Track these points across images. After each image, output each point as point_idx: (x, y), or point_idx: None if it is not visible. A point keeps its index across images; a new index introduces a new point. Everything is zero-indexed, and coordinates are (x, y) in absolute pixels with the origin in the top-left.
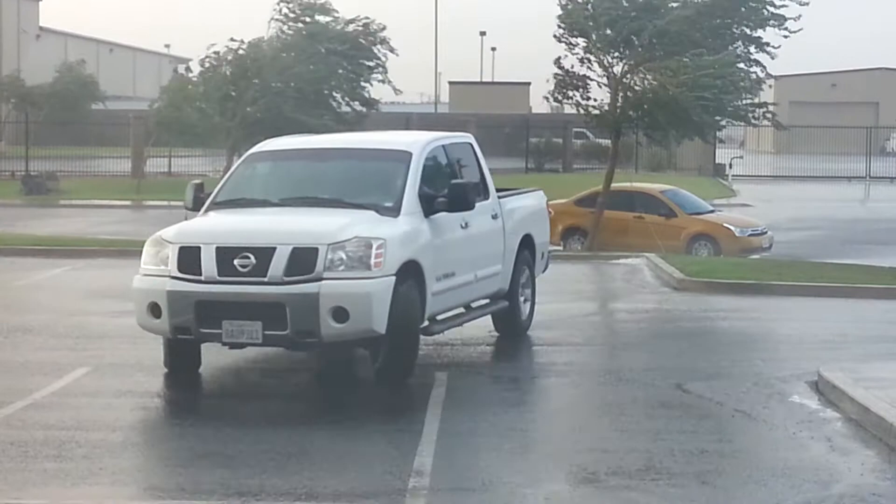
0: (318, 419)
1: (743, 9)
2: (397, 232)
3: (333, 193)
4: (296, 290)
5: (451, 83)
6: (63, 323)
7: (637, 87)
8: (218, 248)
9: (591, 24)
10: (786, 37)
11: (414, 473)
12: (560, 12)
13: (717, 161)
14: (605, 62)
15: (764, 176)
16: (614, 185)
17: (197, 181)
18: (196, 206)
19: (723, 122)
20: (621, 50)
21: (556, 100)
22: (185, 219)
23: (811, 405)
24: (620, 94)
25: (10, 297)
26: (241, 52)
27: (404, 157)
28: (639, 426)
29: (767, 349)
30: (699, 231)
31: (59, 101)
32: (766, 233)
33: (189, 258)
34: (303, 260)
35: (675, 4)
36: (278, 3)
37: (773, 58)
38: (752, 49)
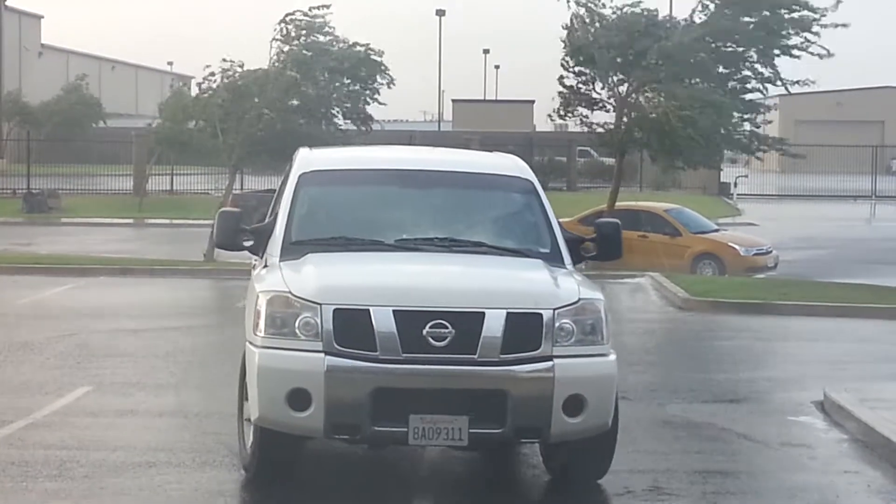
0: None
1: (760, 44)
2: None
3: (467, 234)
4: (521, 372)
5: (454, 101)
6: (64, 342)
7: (643, 105)
8: (398, 313)
9: (594, 49)
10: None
11: (418, 495)
12: (564, 38)
13: (721, 180)
14: (611, 83)
15: (769, 195)
16: (618, 203)
17: (231, 209)
18: (232, 244)
19: (725, 152)
20: (626, 71)
21: (560, 116)
22: (266, 265)
23: (817, 426)
24: (625, 115)
25: (12, 316)
26: (236, 75)
27: (527, 186)
28: (644, 447)
29: (772, 369)
30: (704, 250)
31: (61, 118)
32: (771, 252)
33: (353, 326)
34: (522, 330)
35: (680, 25)
36: (279, 24)
37: (777, 82)
38: (760, 73)
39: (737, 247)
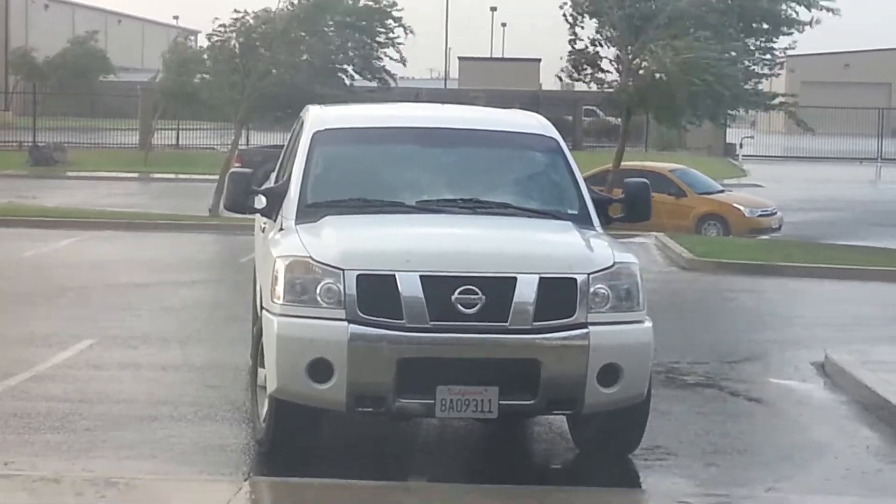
0: None
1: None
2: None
3: (491, 195)
4: (554, 340)
5: (460, 59)
6: (69, 294)
7: (645, 65)
8: (425, 278)
9: (604, 7)
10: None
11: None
12: None
13: (727, 141)
14: (618, 42)
15: (775, 156)
16: (624, 163)
17: (242, 170)
18: (242, 206)
19: (731, 111)
20: (636, 30)
21: (570, 77)
22: (281, 228)
23: (818, 387)
24: (631, 77)
25: (17, 269)
26: (248, 22)
27: (552, 144)
28: None
29: (775, 331)
30: (708, 211)
31: (67, 72)
32: (775, 213)
33: (377, 292)
34: (555, 296)
35: None
36: None
37: (781, 54)
38: (762, 42)
39: (741, 208)
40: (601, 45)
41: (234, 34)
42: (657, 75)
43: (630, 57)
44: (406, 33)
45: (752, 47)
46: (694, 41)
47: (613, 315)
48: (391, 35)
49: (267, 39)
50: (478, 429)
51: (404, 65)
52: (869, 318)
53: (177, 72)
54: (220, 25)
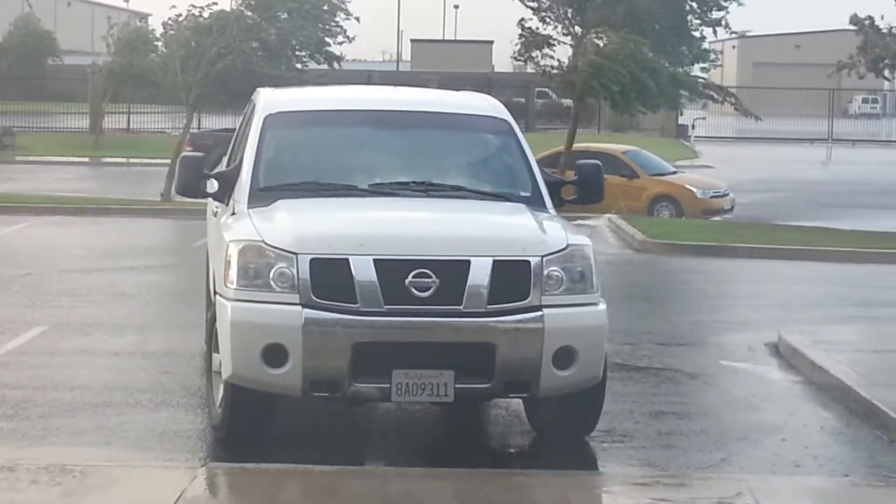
0: None
1: None
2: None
3: (444, 177)
4: (509, 323)
5: (413, 41)
6: (19, 281)
7: (600, 48)
8: (379, 262)
9: None
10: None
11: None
12: None
13: (679, 122)
14: (565, 20)
15: (726, 137)
16: (576, 145)
17: (193, 154)
18: (194, 190)
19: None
20: (578, 8)
21: (522, 60)
22: (233, 213)
23: (771, 368)
24: (581, 56)
25: None
26: (201, 19)
27: (504, 126)
28: None
29: (728, 312)
30: (661, 192)
31: (15, 55)
32: (727, 194)
33: (331, 276)
34: (509, 279)
35: None
36: None
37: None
38: (707, 12)
39: (694, 189)
40: (550, 23)
41: (188, 28)
42: (616, 57)
43: (580, 36)
44: (353, 18)
45: (682, 52)
46: (626, 37)
47: (567, 297)
48: (338, 22)
49: (220, 26)
50: (434, 413)
51: (348, 39)
52: (820, 299)
53: (122, 53)
54: (177, 15)
